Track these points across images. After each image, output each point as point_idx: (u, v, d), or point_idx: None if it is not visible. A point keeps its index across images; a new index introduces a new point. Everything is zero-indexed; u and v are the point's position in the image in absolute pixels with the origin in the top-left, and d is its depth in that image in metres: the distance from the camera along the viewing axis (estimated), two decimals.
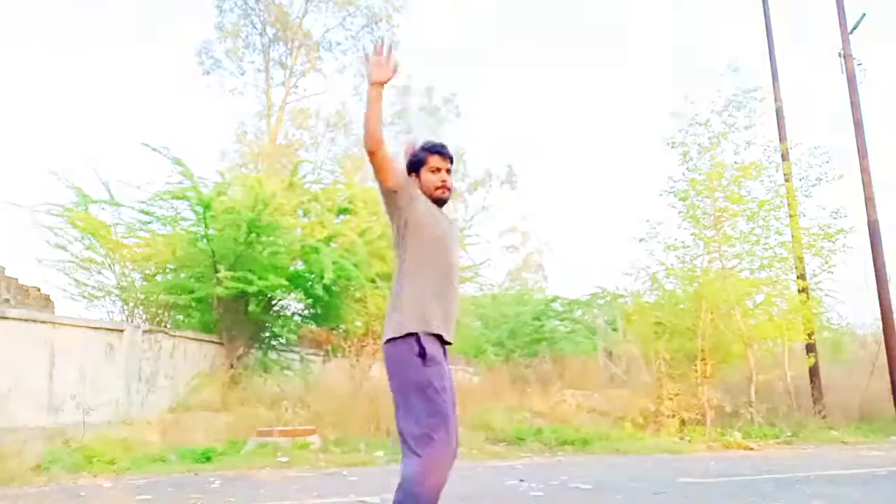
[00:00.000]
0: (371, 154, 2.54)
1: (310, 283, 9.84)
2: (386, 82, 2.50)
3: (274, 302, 10.43)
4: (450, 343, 2.55)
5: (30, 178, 28.73)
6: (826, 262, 9.83)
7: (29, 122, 34.20)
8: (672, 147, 9.81)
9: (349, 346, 9.74)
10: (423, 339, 2.42)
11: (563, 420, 8.73)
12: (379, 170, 2.56)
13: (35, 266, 9.41)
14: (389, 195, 2.60)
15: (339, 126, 24.37)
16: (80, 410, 6.80)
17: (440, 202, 2.69)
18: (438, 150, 2.69)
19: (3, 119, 31.48)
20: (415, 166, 2.72)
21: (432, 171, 2.66)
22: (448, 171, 2.70)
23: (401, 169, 2.64)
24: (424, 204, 2.61)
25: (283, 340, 11.16)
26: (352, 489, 4.54)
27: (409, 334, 2.42)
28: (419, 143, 2.77)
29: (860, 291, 14.52)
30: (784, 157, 10.28)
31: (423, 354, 2.40)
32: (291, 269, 9.89)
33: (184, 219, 9.61)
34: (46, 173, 9.24)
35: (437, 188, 2.65)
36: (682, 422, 8.66)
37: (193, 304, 9.72)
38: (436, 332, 2.46)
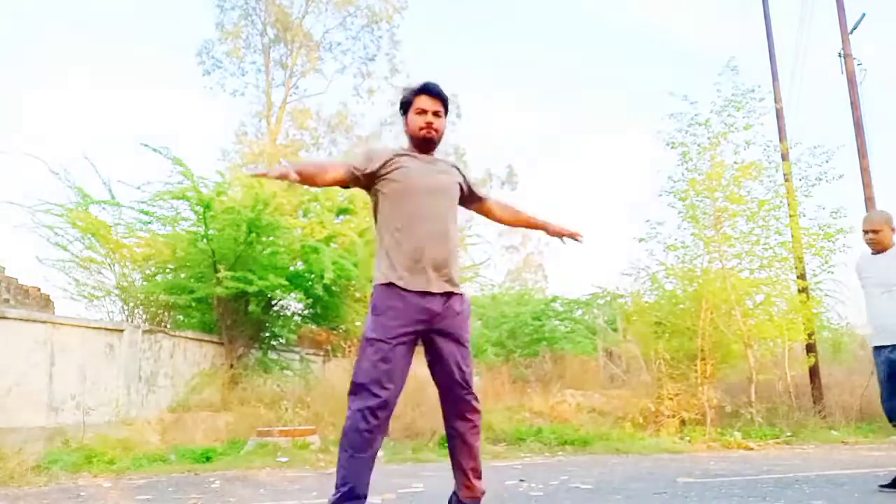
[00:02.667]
0: (322, 186, 2.74)
1: (310, 283, 9.85)
2: (296, 179, 2.51)
3: (274, 302, 10.43)
4: (429, 291, 2.57)
5: (30, 178, 28.77)
6: (826, 262, 9.83)
7: (29, 121, 34.23)
8: (671, 147, 9.81)
9: (349, 346, 9.74)
10: (377, 290, 2.57)
11: (563, 420, 8.72)
12: (343, 186, 2.71)
13: (35, 266, 9.42)
14: (363, 189, 2.73)
15: (341, 127, 24.39)
16: (80, 410, 6.81)
17: (425, 143, 2.68)
18: (426, 89, 2.66)
19: (4, 118, 31.50)
20: (403, 108, 2.74)
21: (417, 113, 2.65)
22: (437, 113, 2.65)
23: (345, 168, 2.65)
24: (393, 166, 2.62)
25: (283, 340, 11.17)
26: None
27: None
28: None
29: (860, 291, 14.50)
30: (784, 157, 10.27)
31: (373, 307, 2.55)
32: (291, 269, 9.89)
33: (184, 219, 9.62)
34: (46, 173, 9.25)
35: (421, 129, 2.64)
36: (682, 422, 8.65)
37: (193, 304, 9.72)
38: (392, 281, 2.54)
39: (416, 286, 2.54)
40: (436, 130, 2.66)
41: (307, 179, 2.58)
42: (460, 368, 2.65)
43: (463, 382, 2.65)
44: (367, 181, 2.66)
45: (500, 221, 2.98)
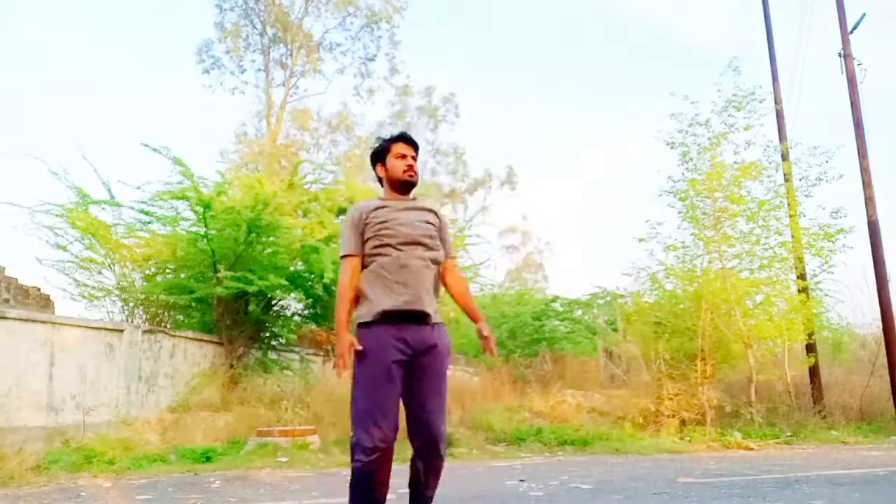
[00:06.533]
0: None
1: (310, 283, 9.84)
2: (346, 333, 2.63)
3: (274, 302, 10.42)
4: (413, 312, 2.59)
5: (30, 178, 28.77)
6: (826, 262, 9.83)
7: (29, 121, 34.21)
8: (672, 147, 9.81)
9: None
10: (360, 331, 2.63)
11: (563, 420, 8.72)
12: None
13: (35, 266, 9.41)
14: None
15: (341, 127, 24.39)
16: (80, 410, 6.81)
17: (407, 186, 2.82)
18: (402, 137, 2.85)
19: (4, 118, 31.49)
20: (380, 156, 2.86)
21: (397, 157, 2.80)
22: (413, 157, 2.83)
23: (351, 248, 2.75)
24: (374, 220, 2.71)
25: (282, 340, 11.16)
26: None
27: (358, 325, 2.66)
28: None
29: (860, 291, 14.53)
30: (784, 157, 10.28)
31: (356, 351, 2.60)
32: (291, 269, 9.89)
33: (184, 219, 9.61)
34: (46, 173, 9.25)
35: (404, 171, 2.79)
36: (682, 422, 8.65)
37: (193, 304, 9.72)
38: (375, 320, 2.59)
39: (394, 320, 2.59)
40: (416, 173, 2.83)
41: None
42: (433, 414, 2.62)
43: (432, 431, 2.62)
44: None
45: (447, 288, 2.98)
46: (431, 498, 2.72)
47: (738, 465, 5.98)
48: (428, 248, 2.72)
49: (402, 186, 2.80)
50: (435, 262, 2.75)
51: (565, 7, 41.44)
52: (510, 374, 11.23)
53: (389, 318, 2.57)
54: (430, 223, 2.80)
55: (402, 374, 2.57)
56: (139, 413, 7.70)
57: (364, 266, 2.72)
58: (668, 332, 9.65)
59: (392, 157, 2.80)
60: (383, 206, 2.75)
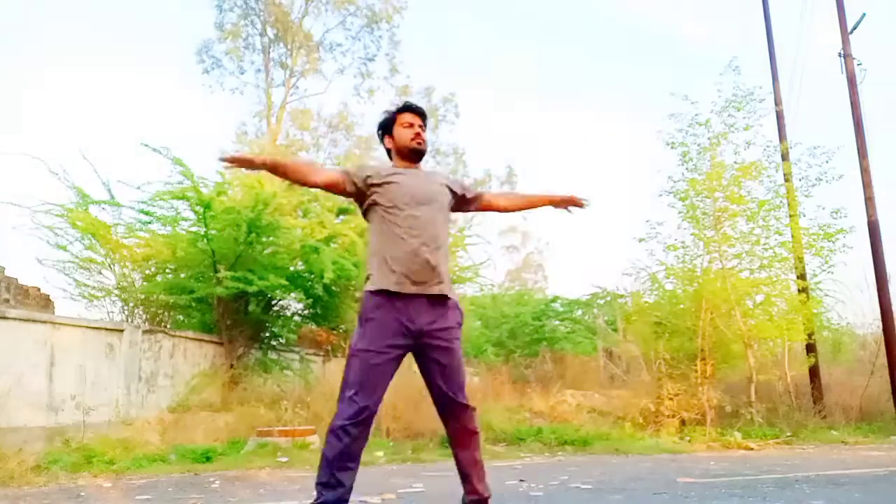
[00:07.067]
0: (309, 187, 2.77)
1: (310, 283, 9.85)
2: (261, 166, 2.65)
3: (274, 302, 10.43)
4: (420, 293, 2.58)
5: (30, 178, 28.76)
6: (826, 262, 9.83)
7: (29, 121, 34.21)
8: (672, 147, 9.81)
9: (349, 346, 9.70)
10: (367, 298, 2.61)
11: (563, 420, 8.72)
12: (328, 191, 2.79)
13: (35, 266, 9.40)
14: (350, 198, 2.79)
15: (341, 127, 24.39)
16: (80, 410, 6.80)
17: (416, 154, 2.79)
18: (408, 107, 2.84)
19: (4, 118, 31.49)
20: (386, 128, 2.85)
21: (404, 126, 2.78)
22: (421, 126, 2.80)
23: (340, 171, 2.76)
24: (387, 180, 2.69)
25: (282, 340, 11.16)
26: None
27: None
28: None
29: (860, 291, 14.52)
30: (784, 157, 10.28)
31: (362, 317, 2.62)
32: (291, 269, 9.89)
33: (184, 219, 9.60)
34: (46, 173, 9.24)
35: (412, 139, 2.76)
36: (682, 422, 8.65)
37: (193, 304, 9.72)
38: (384, 287, 2.57)
39: (408, 290, 2.56)
40: (424, 141, 2.79)
41: (286, 174, 2.69)
42: (453, 379, 2.67)
43: (457, 392, 2.68)
44: (362, 190, 2.71)
45: (506, 210, 3.01)
46: (481, 491, 2.68)
47: (738, 465, 5.98)
48: (441, 205, 2.71)
49: (411, 154, 2.77)
50: (447, 219, 2.75)
51: (565, 7, 41.45)
52: (510, 374, 11.23)
53: (396, 294, 2.55)
54: (444, 186, 2.79)
55: (400, 352, 2.59)
56: (139, 413, 7.70)
57: (371, 221, 2.71)
58: (668, 332, 9.66)
59: (399, 126, 2.78)
60: (396, 172, 2.73)
